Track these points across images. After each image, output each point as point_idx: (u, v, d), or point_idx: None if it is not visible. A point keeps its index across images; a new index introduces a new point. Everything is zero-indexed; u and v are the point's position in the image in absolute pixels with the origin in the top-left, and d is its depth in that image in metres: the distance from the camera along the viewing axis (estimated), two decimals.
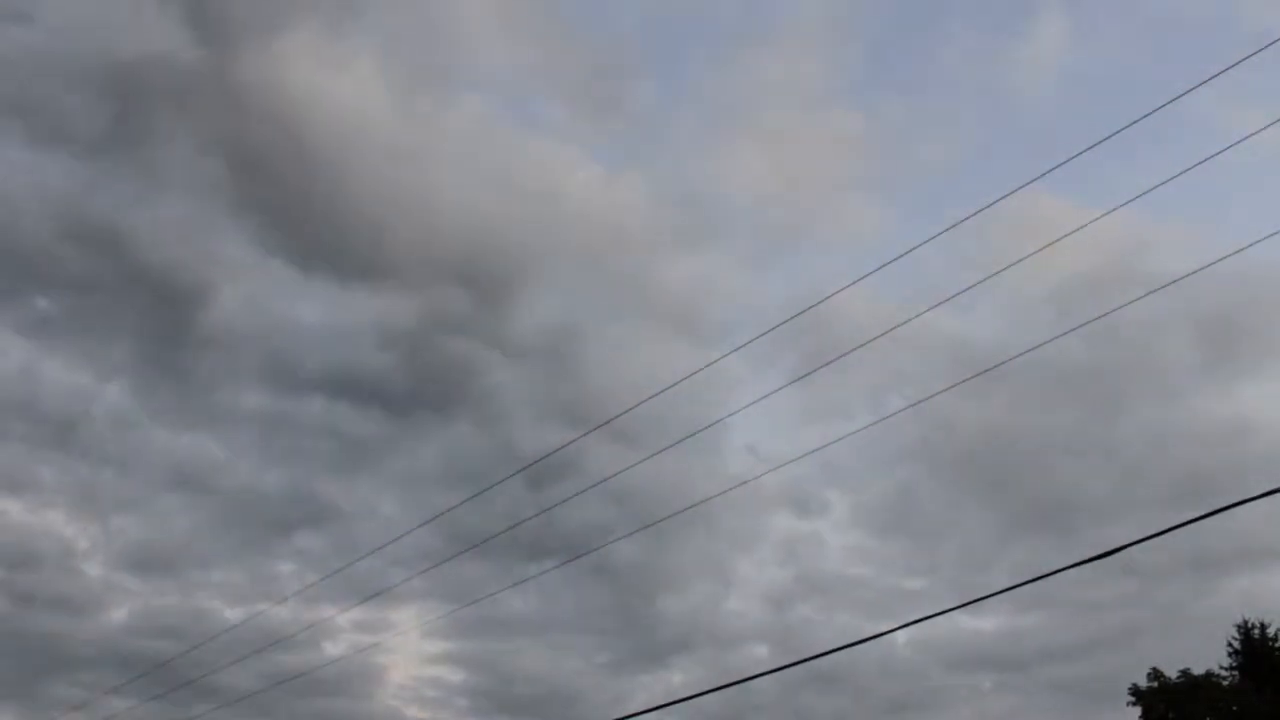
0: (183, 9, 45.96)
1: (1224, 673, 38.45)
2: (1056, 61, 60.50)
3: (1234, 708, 36.69)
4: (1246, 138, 11.66)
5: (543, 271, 48.33)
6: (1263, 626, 38.91)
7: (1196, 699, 36.83)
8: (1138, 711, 38.11)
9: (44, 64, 46.09)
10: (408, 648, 53.35)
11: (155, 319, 50.61)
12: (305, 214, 46.94)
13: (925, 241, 12.91)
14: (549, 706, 47.82)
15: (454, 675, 51.30)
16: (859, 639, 13.29)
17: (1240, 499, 11.17)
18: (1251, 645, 38.70)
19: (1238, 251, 11.72)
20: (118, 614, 45.80)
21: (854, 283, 13.55)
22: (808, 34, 58.86)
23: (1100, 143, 11.90)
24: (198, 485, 48.77)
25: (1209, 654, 36.95)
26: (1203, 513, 10.14)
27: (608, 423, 16.17)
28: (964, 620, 50.20)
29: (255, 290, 51.01)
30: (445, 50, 51.39)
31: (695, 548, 52.42)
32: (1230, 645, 39.19)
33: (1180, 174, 12.17)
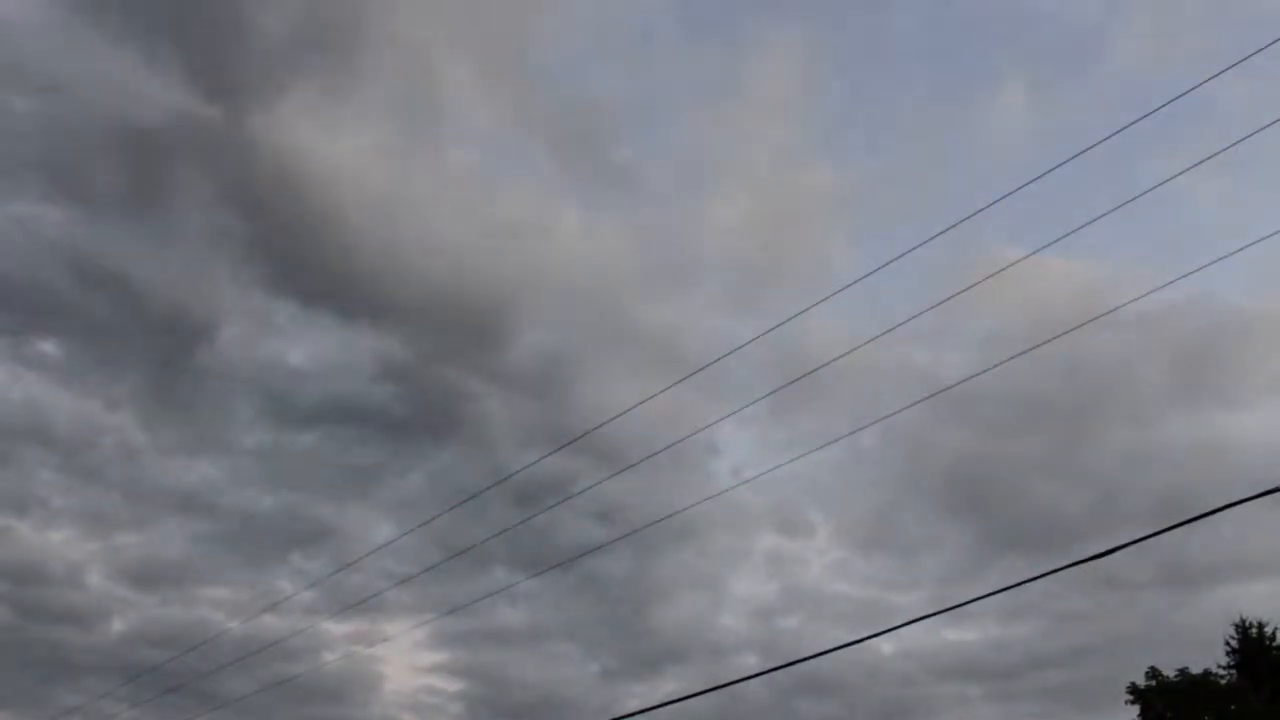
0: (194, 71, 49.61)
1: (1222, 672, 38.67)
2: (1019, 122, 61.42)
3: (1232, 706, 36.91)
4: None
5: (530, 310, 50.12)
6: (1260, 626, 39.11)
7: (1194, 698, 37.04)
8: (1136, 710, 38.37)
9: (64, 124, 49.67)
10: (404, 658, 54.92)
11: (162, 355, 53.35)
12: (308, 258, 49.88)
13: (899, 256, 13.22)
14: (543, 713, 49.09)
15: (451, 684, 52.50)
16: (851, 640, 13.54)
17: (1223, 504, 11.48)
18: (1249, 644, 38.89)
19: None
20: (119, 625, 46.66)
21: (825, 299, 13.92)
22: (779, 95, 60.05)
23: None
24: (200, 508, 50.48)
25: (1188, 661, 37.89)
26: (1186, 518, 10.42)
27: (595, 429, 16.49)
28: (949, 633, 52.75)
29: (259, 328, 53.75)
30: (438, 108, 56.47)
31: (687, 566, 54.52)
32: (1228, 644, 39.38)
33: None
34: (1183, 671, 38.18)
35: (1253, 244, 12.42)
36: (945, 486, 54.76)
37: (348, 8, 49.17)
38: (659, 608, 53.06)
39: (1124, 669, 41.43)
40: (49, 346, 51.39)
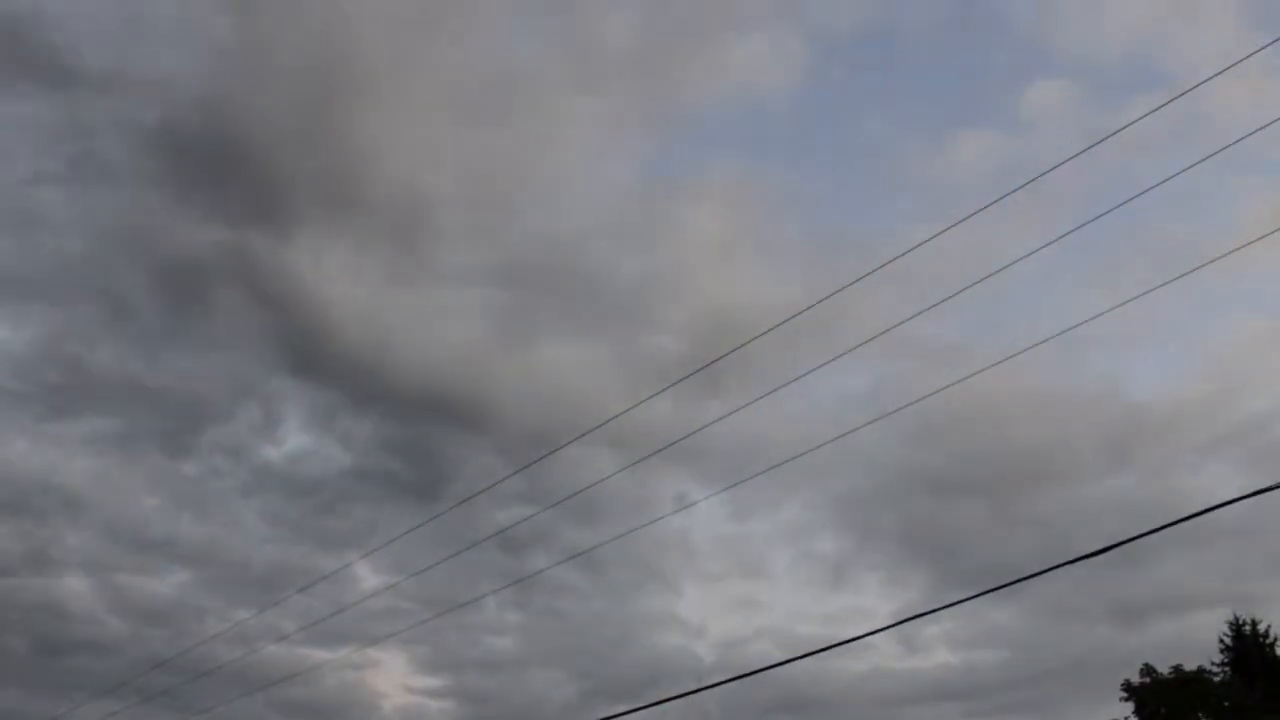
0: (217, 204, 56.80)
1: (1215, 669, 38.98)
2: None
3: (1225, 703, 37.20)
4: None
5: (513, 398, 53.54)
6: (1254, 623, 39.46)
7: (1188, 694, 37.31)
8: (1130, 707, 38.65)
9: (107, 252, 56.92)
10: (397, 679, 57.21)
11: (185, 433, 58.86)
12: (319, 354, 55.42)
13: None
14: None
15: (441, 704, 56.04)
16: (822, 647, 13.77)
17: (1219, 503, 11.77)
18: (1242, 641, 39.23)
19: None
20: (131, 654, 49.08)
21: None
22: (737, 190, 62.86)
23: None
24: (207, 558, 55.69)
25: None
26: (1178, 518, 10.70)
27: (583, 435, 16.73)
28: (917, 660, 54.65)
29: (276, 409, 59.05)
30: (430, 240, 59.96)
31: (663, 604, 58.80)
32: (1222, 642, 39.72)
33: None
34: (1177, 669, 38.42)
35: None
36: (900, 537, 58.88)
37: (355, 156, 54.85)
38: (635, 641, 56.85)
39: (1078, 688, 47.05)
40: (96, 425, 58.42)
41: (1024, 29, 63.13)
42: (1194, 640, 38.50)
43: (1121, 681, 38.96)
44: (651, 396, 16.49)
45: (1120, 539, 12.39)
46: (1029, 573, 13.12)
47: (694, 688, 15.71)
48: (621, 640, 56.23)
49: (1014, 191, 13.01)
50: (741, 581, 62.75)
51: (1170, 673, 38.25)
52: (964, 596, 13.99)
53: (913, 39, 66.41)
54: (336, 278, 57.54)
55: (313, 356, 55.46)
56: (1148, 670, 38.78)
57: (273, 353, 59.41)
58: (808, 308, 14.13)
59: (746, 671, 15.26)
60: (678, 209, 64.49)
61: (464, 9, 57.54)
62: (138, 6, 57.39)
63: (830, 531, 61.61)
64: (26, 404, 55.98)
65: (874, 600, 59.08)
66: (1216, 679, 38.37)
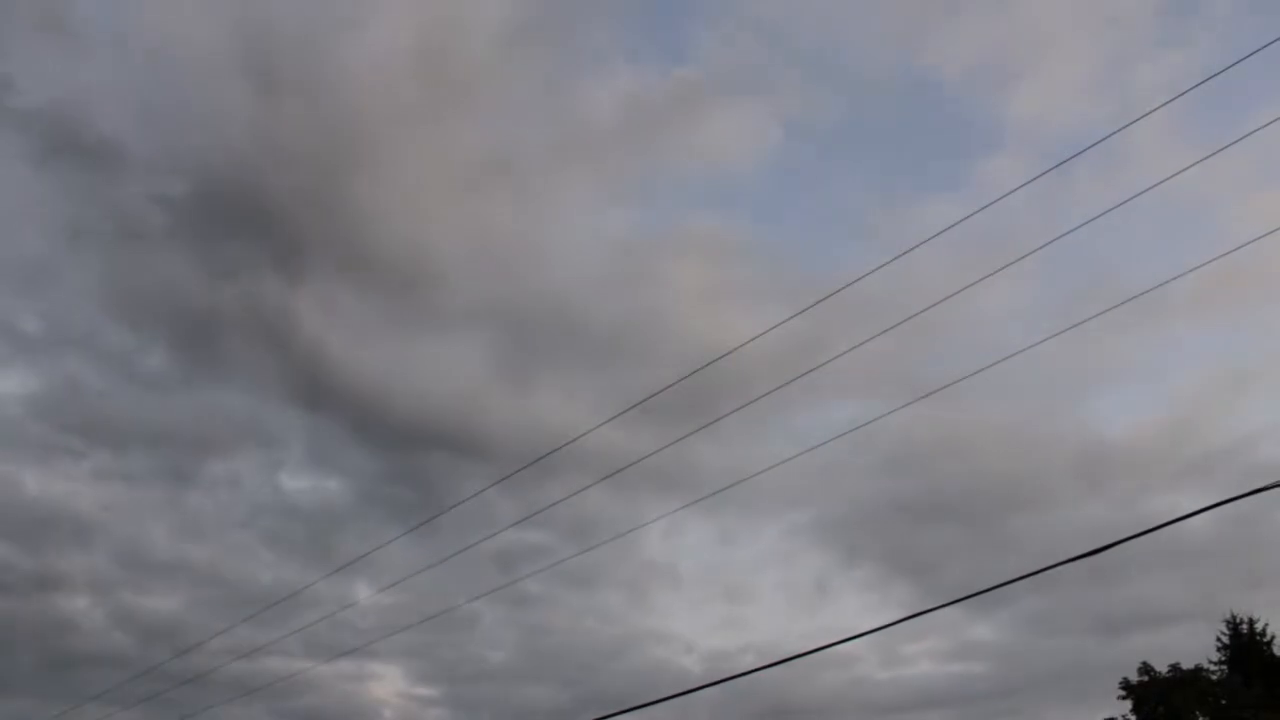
0: (235, 262, 61.10)
1: (1213, 667, 39.21)
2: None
3: (1222, 700, 37.44)
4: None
5: (508, 431, 56.39)
6: (1251, 622, 39.70)
7: (1186, 692, 37.54)
8: (1129, 705, 38.88)
9: (132, 305, 61.54)
10: (395, 685, 60.79)
11: (192, 470, 62.24)
12: (324, 392, 59.28)
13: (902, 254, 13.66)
14: None
15: (437, 712, 57.64)
16: (815, 647, 13.99)
17: (1217, 501, 12.01)
18: (1240, 640, 39.48)
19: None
20: (135, 667, 50.58)
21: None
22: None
23: None
24: (212, 580, 57.33)
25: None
26: (1176, 516, 10.92)
27: (572, 440, 16.99)
28: (905, 669, 56.09)
29: (281, 441, 62.89)
30: (431, 291, 63.88)
31: (653, 622, 61.58)
32: (1219, 640, 39.96)
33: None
34: (1174, 667, 38.66)
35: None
36: (882, 558, 61.30)
37: (363, 218, 58.76)
38: (625, 655, 58.87)
39: (1062, 696, 49.84)
40: (107, 459, 60.96)
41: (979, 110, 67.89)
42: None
43: (1119, 680, 39.25)
44: (610, 420, 16.88)
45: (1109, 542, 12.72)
46: (1021, 575, 13.41)
47: (682, 690, 16.05)
48: (612, 654, 58.84)
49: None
50: (730, 602, 65.21)
51: (1168, 671, 38.47)
52: (960, 597, 14.24)
53: (878, 114, 71.61)
54: (342, 324, 61.72)
55: (317, 394, 59.15)
56: (1146, 669, 38.98)
57: (280, 391, 63.56)
58: (781, 322, 14.34)
59: (734, 674, 15.55)
60: (660, 262, 67.94)
61: (465, 92, 62.27)
62: (173, 93, 62.10)
63: (815, 554, 64.40)
64: (44, 441, 59.57)
65: (857, 618, 62.94)
66: (1214, 677, 38.61)
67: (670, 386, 16.20)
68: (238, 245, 61.26)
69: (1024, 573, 13.52)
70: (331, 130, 57.25)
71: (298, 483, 64.06)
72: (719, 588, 65.44)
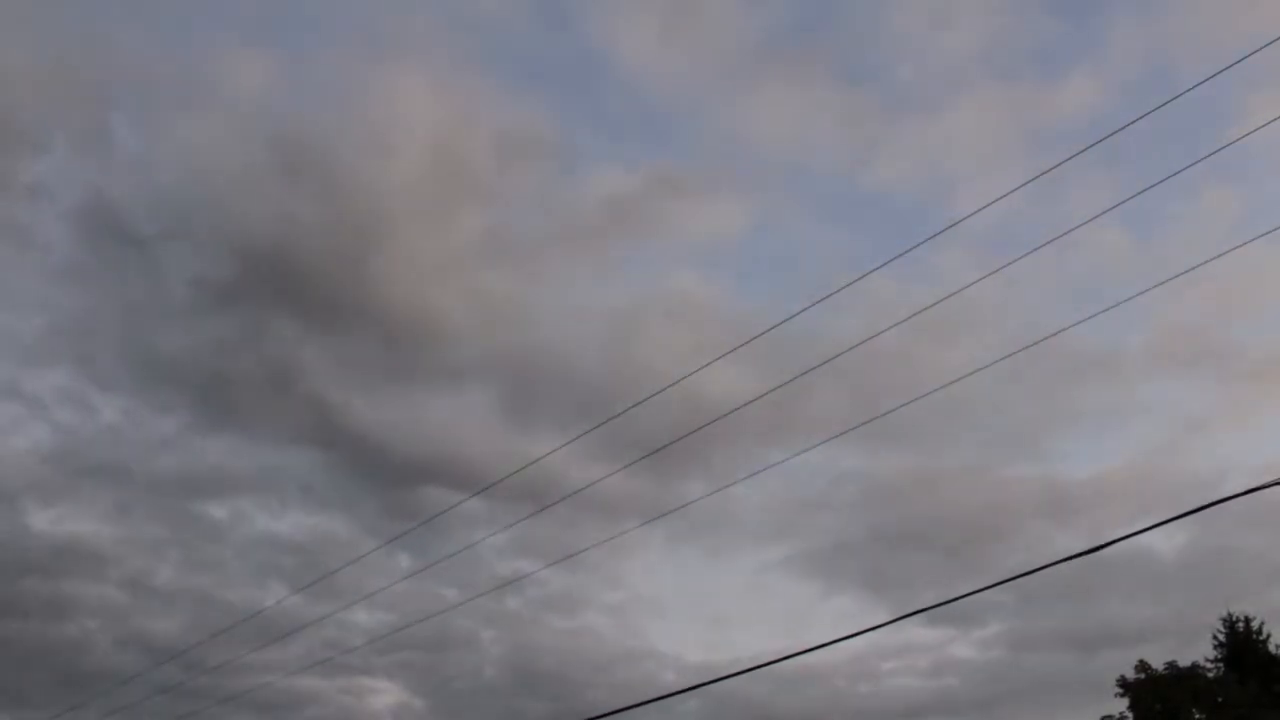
0: (254, 322, 66.57)
1: (1209, 665, 39.44)
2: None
3: (1219, 698, 37.66)
4: None
5: (503, 469, 59.32)
6: (1247, 620, 39.94)
7: (1182, 689, 37.75)
8: (1125, 702, 39.10)
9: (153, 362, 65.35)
10: (385, 700, 63.17)
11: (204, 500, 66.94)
12: (330, 434, 63.19)
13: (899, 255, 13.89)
14: None
15: None
16: (792, 653, 14.36)
17: (1217, 499, 12.22)
18: (1236, 638, 39.72)
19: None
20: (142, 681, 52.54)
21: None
22: None
23: None
24: (217, 606, 58.25)
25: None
26: (1177, 513, 11.10)
27: (559, 447, 17.25)
28: (889, 681, 58.37)
29: (287, 479, 66.28)
30: (436, 347, 68.75)
31: (639, 644, 64.72)
32: (1215, 638, 40.20)
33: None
34: (1171, 664, 38.89)
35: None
36: (862, 583, 65.44)
37: (374, 283, 63.88)
38: (611, 671, 61.36)
39: (1041, 708, 52.83)
40: (120, 495, 64.53)
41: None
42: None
43: (1116, 677, 39.49)
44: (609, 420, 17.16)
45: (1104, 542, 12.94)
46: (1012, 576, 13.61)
47: (665, 693, 16.40)
48: (598, 669, 61.46)
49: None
50: (715, 625, 68.65)
51: (1165, 668, 38.70)
52: (958, 596, 14.43)
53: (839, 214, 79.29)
54: (355, 377, 66.76)
55: (325, 436, 64.18)
56: (1143, 666, 39.19)
57: (288, 433, 68.19)
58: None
59: (715, 678, 15.90)
60: (644, 322, 71.54)
61: (472, 183, 69.30)
62: (206, 189, 66.69)
63: (797, 581, 68.25)
64: (61, 481, 63.11)
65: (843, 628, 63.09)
66: (1210, 674, 38.83)
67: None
68: (261, 312, 66.66)
69: (1016, 573, 13.76)
70: (353, 214, 63.75)
71: (311, 519, 67.89)
72: (705, 612, 70.75)
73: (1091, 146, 13.16)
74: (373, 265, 65.07)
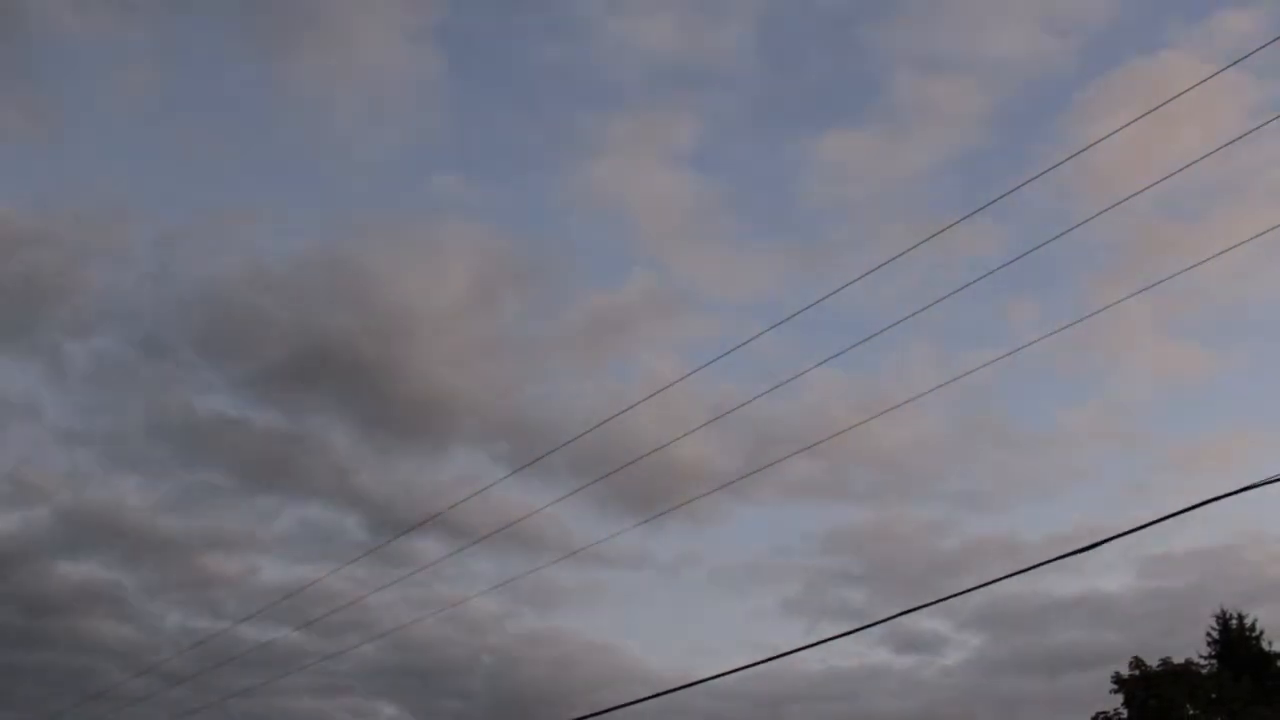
0: (271, 399, 76.20)
1: (1203, 661, 39.74)
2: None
3: (1212, 695, 37.98)
4: None
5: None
6: (1240, 617, 40.31)
7: (1176, 686, 38.01)
8: (1120, 699, 39.34)
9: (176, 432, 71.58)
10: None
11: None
12: (334, 492, 69.46)
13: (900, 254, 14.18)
14: None
15: None
16: (793, 648, 14.75)
17: (1218, 495, 12.48)
18: (1229, 635, 40.07)
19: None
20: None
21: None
22: None
23: None
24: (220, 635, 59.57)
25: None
26: (1175, 510, 11.36)
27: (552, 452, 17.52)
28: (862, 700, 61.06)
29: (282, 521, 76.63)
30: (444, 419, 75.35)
31: (619, 664, 68.74)
32: (1209, 635, 40.55)
33: None
34: (1165, 661, 39.14)
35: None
36: (832, 617, 69.50)
37: (385, 367, 70.69)
38: (594, 691, 62.63)
39: None
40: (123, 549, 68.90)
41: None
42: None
43: (1111, 674, 39.75)
44: (603, 424, 17.35)
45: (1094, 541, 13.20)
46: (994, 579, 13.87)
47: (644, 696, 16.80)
48: (579, 689, 63.72)
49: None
50: (697, 656, 72.58)
51: (1159, 665, 38.96)
52: (950, 594, 14.68)
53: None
54: (374, 447, 73.34)
55: (328, 492, 70.61)
56: (1137, 663, 39.43)
57: (295, 489, 75.15)
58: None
59: (694, 680, 16.29)
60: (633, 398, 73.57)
61: (483, 300, 79.65)
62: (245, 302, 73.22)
63: (771, 622, 71.53)
64: (66, 536, 66.45)
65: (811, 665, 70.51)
66: (1204, 671, 39.13)
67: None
68: (289, 396, 73.79)
69: (1009, 572, 14.00)
70: (378, 320, 72.94)
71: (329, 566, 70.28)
72: (689, 647, 74.70)
73: None
74: (392, 358, 73.26)
